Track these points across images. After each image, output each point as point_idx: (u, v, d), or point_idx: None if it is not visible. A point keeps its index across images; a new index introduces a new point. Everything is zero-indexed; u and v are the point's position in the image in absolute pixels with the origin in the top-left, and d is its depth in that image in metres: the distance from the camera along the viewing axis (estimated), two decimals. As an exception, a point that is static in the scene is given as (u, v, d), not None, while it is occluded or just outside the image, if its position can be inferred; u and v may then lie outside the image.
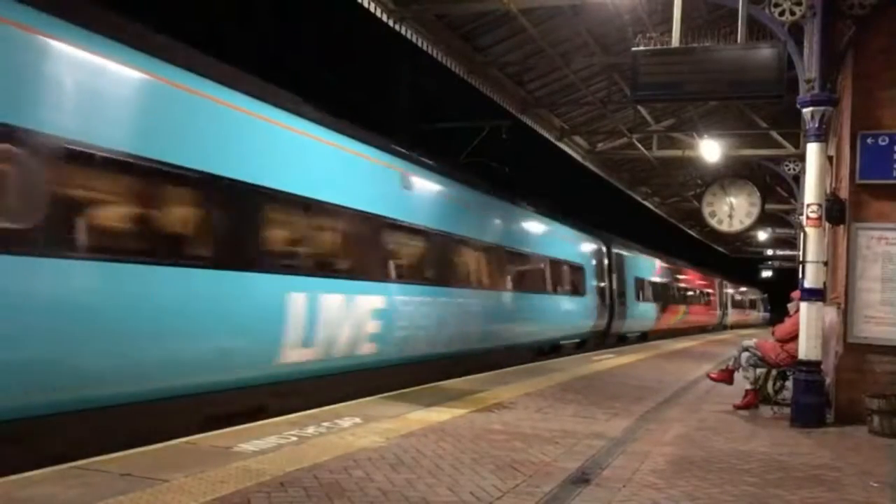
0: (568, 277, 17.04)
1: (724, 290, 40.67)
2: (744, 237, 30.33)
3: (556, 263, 16.25)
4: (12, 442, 5.05)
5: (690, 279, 32.08)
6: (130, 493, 4.28)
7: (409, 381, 9.39)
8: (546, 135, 17.94)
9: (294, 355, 7.66)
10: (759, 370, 9.03)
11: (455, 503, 4.48)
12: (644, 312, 24.07)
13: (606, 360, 14.67)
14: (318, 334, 7.95)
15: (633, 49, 8.50)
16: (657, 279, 26.23)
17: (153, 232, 6.26)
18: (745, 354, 9.06)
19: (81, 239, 5.58)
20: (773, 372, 9.03)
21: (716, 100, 13.05)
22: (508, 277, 13.67)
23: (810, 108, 7.95)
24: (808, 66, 7.98)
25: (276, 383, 7.56)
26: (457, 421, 7.11)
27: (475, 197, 12.83)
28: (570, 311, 17.28)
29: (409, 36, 11.90)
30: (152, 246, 6.18)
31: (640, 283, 23.60)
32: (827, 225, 8.74)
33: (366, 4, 10.90)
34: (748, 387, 9.00)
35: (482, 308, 12.49)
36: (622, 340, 22.00)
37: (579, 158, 20.24)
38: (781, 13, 8.09)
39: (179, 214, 6.59)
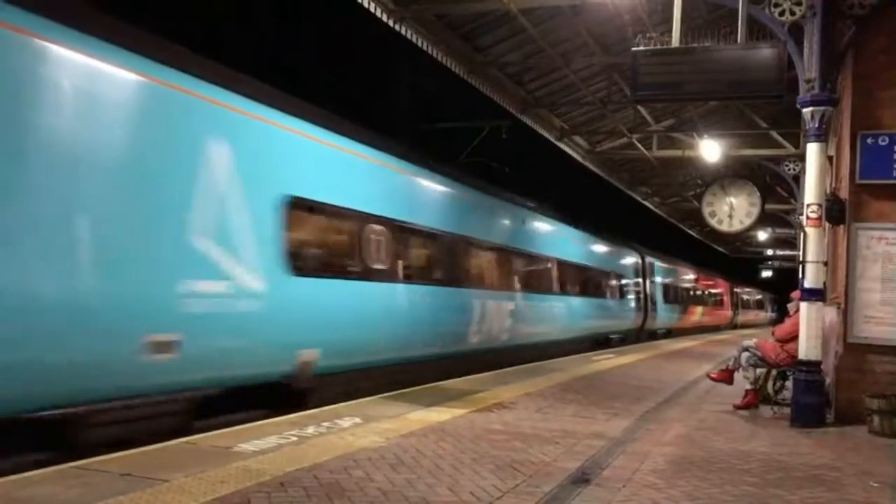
0: (617, 285, 21.74)
1: (735, 293, 44.80)
2: (744, 237, 30.35)
3: (610, 274, 21.09)
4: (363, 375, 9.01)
5: (707, 284, 36.05)
6: (130, 493, 4.28)
7: (531, 358, 13.89)
8: (546, 135, 17.94)
9: (474, 339, 12.12)
10: (759, 370, 9.03)
11: (455, 503, 4.48)
12: (670, 312, 28.10)
13: (606, 360, 14.66)
14: (483, 327, 12.43)
15: (633, 49, 8.50)
16: (680, 284, 30.37)
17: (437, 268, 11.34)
18: (745, 354, 9.06)
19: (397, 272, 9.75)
20: (773, 372, 9.04)
21: (716, 100, 13.05)
22: (583, 287, 18.45)
23: (810, 108, 7.95)
24: (808, 66, 7.98)
25: (467, 354, 12.01)
26: (457, 421, 7.11)
27: (564, 230, 17.60)
28: (618, 312, 21.75)
29: (409, 36, 11.90)
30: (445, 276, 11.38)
31: (666, 288, 27.67)
32: (827, 225, 8.74)
33: (366, 4, 10.90)
34: (748, 387, 9.00)
35: (570, 309, 17.25)
36: (652, 336, 25.55)
37: (579, 158, 20.24)
38: (781, 13, 8.09)
39: (445, 258, 11.51)
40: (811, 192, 7.99)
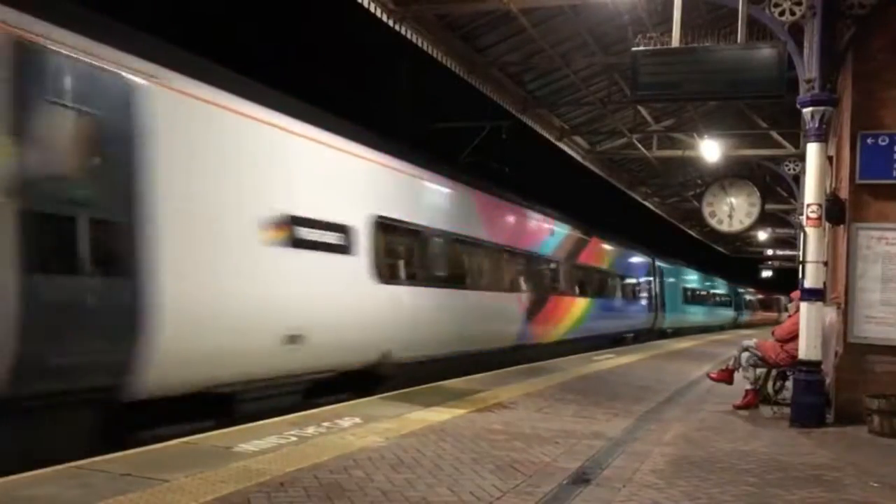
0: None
1: (739, 294, 48.53)
2: (744, 237, 30.36)
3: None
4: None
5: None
6: (130, 493, 4.28)
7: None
8: (546, 135, 17.93)
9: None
10: (759, 370, 9.03)
11: (455, 503, 4.48)
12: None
13: (606, 360, 14.66)
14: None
15: (633, 49, 8.50)
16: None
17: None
18: (745, 354, 9.06)
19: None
20: (773, 372, 9.04)
21: (716, 100, 13.05)
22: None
23: (810, 108, 7.94)
24: (808, 66, 7.98)
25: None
26: (457, 421, 7.11)
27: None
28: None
29: (409, 36, 11.89)
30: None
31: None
32: (827, 225, 8.74)
33: (366, 4, 10.89)
34: (748, 387, 9.00)
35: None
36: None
37: (579, 158, 20.24)
38: (781, 13, 8.09)
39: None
40: (811, 192, 7.99)
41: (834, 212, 8.51)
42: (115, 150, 6.00)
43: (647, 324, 25.33)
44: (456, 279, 11.72)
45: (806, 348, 7.90)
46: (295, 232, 7.88)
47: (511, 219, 14.68)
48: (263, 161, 7.56)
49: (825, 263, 8.57)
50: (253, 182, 7.39)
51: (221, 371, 6.95)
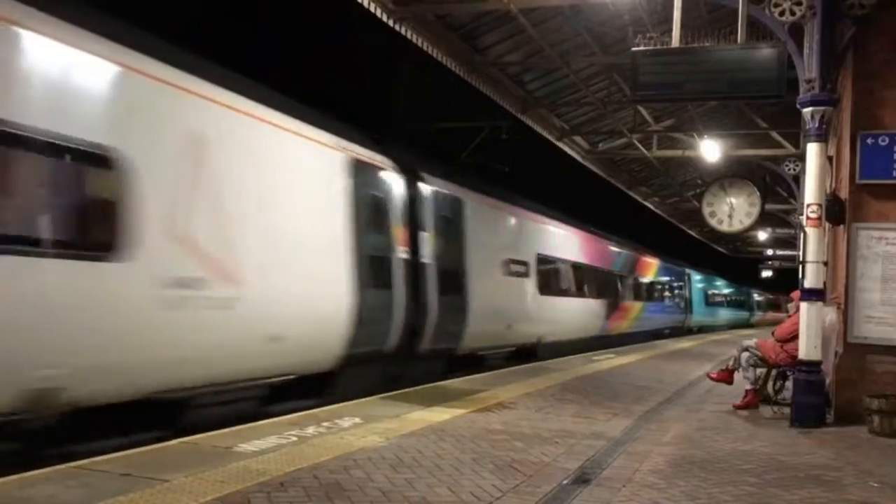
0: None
1: (751, 296, 56.01)
2: (744, 237, 30.39)
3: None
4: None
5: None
6: (130, 493, 4.28)
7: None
8: (546, 135, 17.94)
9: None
10: (759, 370, 9.03)
11: (455, 503, 4.48)
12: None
13: (606, 360, 14.67)
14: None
15: (633, 49, 8.50)
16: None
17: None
18: (745, 354, 9.06)
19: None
20: (773, 372, 9.04)
21: (716, 100, 13.06)
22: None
23: (810, 108, 7.94)
24: (808, 66, 7.98)
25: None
26: (457, 421, 7.11)
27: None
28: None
29: (409, 36, 11.90)
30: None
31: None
32: (827, 225, 8.73)
33: (366, 4, 10.89)
34: (748, 387, 9.00)
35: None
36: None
37: (579, 158, 20.24)
38: (781, 13, 8.09)
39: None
40: (811, 192, 7.99)
41: (834, 212, 8.51)
42: (458, 233, 12.08)
43: (679, 322, 31.34)
44: (572, 291, 18.02)
45: (806, 348, 7.89)
46: (510, 267, 14.17)
47: (597, 247, 20.65)
48: (502, 232, 14.11)
49: (825, 263, 8.57)
50: (498, 243, 13.79)
51: (484, 342, 12.99)
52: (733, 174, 17.87)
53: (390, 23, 11.42)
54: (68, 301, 5.48)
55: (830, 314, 8.92)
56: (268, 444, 5.70)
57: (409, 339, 10.37)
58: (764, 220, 18.93)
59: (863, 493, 5.15)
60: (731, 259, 44.91)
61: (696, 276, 34.79)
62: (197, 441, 5.73)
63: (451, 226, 11.81)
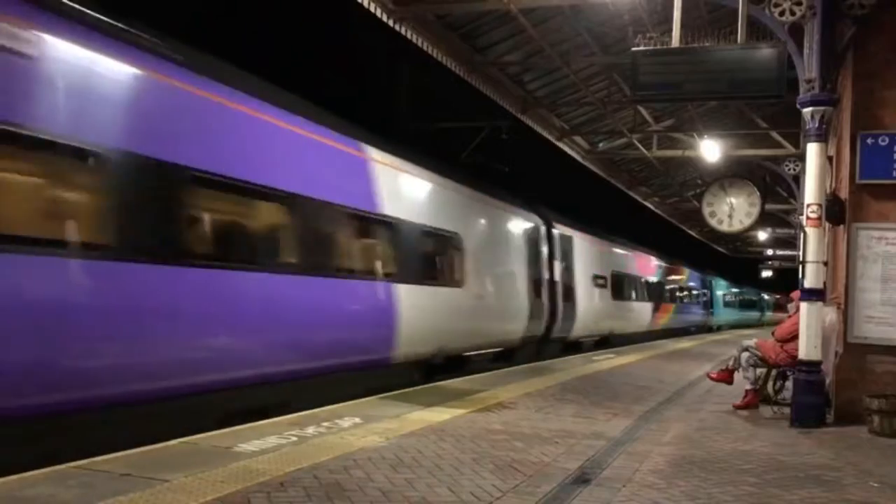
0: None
1: (764, 298, 63.05)
2: (744, 237, 30.41)
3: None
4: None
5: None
6: (130, 493, 4.28)
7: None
8: (546, 135, 17.94)
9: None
10: (759, 370, 9.03)
11: (455, 503, 4.48)
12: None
13: (606, 360, 14.67)
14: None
15: (633, 49, 8.50)
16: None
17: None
18: (745, 354, 9.06)
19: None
20: (773, 372, 9.04)
21: (716, 100, 13.06)
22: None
23: (810, 108, 7.94)
24: (808, 66, 7.98)
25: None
26: (457, 421, 7.11)
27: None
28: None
29: (409, 36, 11.90)
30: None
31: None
32: (827, 225, 8.73)
33: (366, 4, 10.90)
34: (748, 387, 9.00)
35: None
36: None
37: (579, 158, 20.25)
38: (781, 13, 8.09)
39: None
40: (811, 192, 7.99)
41: (834, 212, 8.51)
42: (570, 259, 17.51)
43: (703, 321, 36.68)
44: (632, 297, 23.53)
45: (806, 348, 7.89)
46: (597, 281, 19.34)
47: (647, 261, 26.14)
48: (593, 257, 19.24)
49: (825, 263, 8.57)
50: (591, 265, 18.87)
51: (583, 333, 18.22)
52: (733, 174, 17.87)
53: (390, 23, 11.42)
54: (451, 305, 11.35)
55: (830, 314, 8.92)
56: (268, 444, 5.70)
57: (548, 329, 15.74)
58: (764, 220, 18.93)
59: (863, 493, 5.15)
60: (732, 259, 44.93)
61: (719, 283, 42.56)
62: (197, 441, 5.73)
63: (566, 255, 17.13)
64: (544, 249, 15.83)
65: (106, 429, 5.61)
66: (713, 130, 17.59)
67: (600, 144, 20.42)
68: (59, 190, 5.52)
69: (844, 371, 8.16)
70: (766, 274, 54.15)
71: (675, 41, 8.48)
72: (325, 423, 6.57)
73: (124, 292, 5.74)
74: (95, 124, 5.56)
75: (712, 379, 9.72)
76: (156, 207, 6.03)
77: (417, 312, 10.10)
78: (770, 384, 9.08)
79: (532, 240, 15.12)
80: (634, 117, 17.91)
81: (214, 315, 6.56)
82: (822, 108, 7.91)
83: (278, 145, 7.56)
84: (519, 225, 14.72)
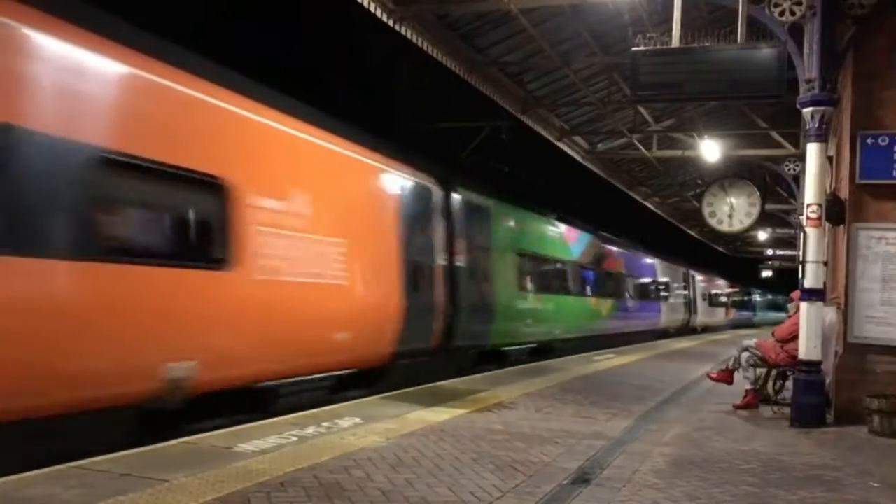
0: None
1: (755, 297, 66.20)
2: (744, 237, 30.41)
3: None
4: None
5: (757, 297, 61.43)
6: (130, 493, 4.29)
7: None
8: (546, 135, 17.93)
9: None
10: (759, 370, 9.03)
11: (455, 503, 4.48)
12: (739, 314, 48.74)
13: (607, 360, 14.67)
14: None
15: (633, 49, 8.49)
16: (741, 298, 52.39)
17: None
18: (745, 354, 9.06)
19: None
20: (773, 372, 9.04)
21: (716, 100, 13.06)
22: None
23: (810, 108, 7.94)
24: (808, 66, 7.97)
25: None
26: (457, 421, 7.11)
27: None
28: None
29: (409, 36, 11.90)
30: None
31: (734, 301, 48.26)
32: (827, 225, 8.73)
33: (366, 4, 10.89)
34: (748, 387, 9.00)
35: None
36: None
37: (579, 158, 20.24)
38: (781, 13, 8.09)
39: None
40: (811, 192, 7.99)
41: (834, 212, 8.51)
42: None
43: (726, 319, 43.60)
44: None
45: (806, 348, 7.89)
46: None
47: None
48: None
49: (825, 263, 8.57)
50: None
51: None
52: (733, 174, 17.84)
53: (390, 23, 11.42)
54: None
55: (830, 314, 8.92)
56: (268, 444, 5.70)
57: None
58: (764, 220, 18.91)
59: (863, 493, 5.15)
60: (732, 259, 44.95)
61: (739, 289, 50.03)
62: (197, 441, 5.73)
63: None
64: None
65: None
66: (713, 130, 17.58)
67: (599, 145, 20.41)
68: None
69: (844, 371, 8.16)
70: (766, 274, 54.14)
71: (675, 41, 8.48)
72: (325, 423, 6.57)
73: None
74: None
75: (712, 379, 9.72)
76: None
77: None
78: (770, 384, 9.08)
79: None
80: (634, 117, 17.90)
81: None
82: (822, 108, 7.91)
83: None
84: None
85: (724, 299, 43.25)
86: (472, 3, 11.46)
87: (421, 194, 10.82)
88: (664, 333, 27.89)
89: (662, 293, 28.51)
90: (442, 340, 11.22)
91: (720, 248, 41.62)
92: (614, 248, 22.94)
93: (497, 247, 13.66)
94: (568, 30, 12.97)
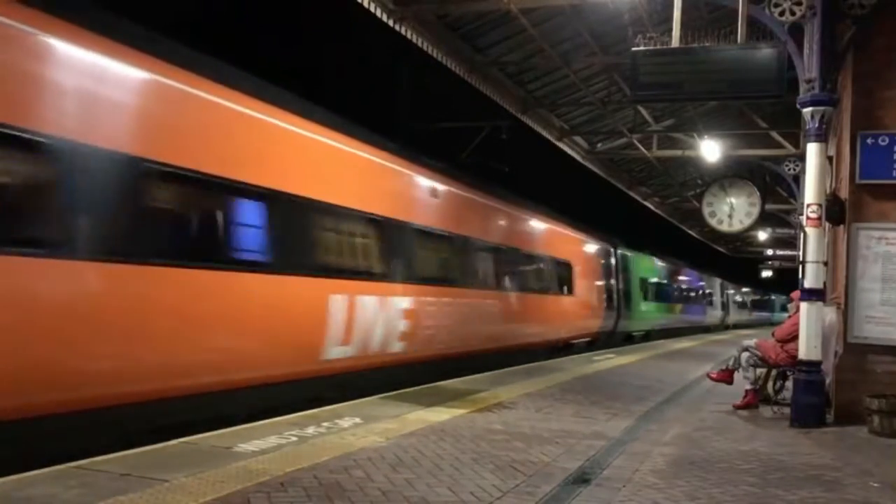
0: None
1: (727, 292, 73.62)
2: (744, 237, 30.38)
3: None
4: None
5: (773, 298, 68.08)
6: (130, 493, 4.28)
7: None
8: (546, 135, 17.93)
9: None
10: (759, 370, 9.03)
11: (455, 503, 4.48)
12: (759, 314, 58.36)
13: (607, 360, 14.67)
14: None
15: (633, 49, 8.49)
16: (761, 300, 62.97)
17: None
18: (745, 354, 9.06)
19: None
20: (773, 372, 9.04)
21: (716, 100, 13.06)
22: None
23: (810, 108, 7.94)
24: (808, 66, 7.97)
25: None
26: (457, 421, 7.11)
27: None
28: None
29: (409, 36, 11.90)
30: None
31: (754, 302, 59.17)
32: (827, 225, 8.73)
33: (366, 4, 10.89)
34: (748, 387, 9.00)
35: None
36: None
37: (579, 158, 20.24)
38: (781, 13, 8.09)
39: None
40: (811, 192, 7.99)
41: (834, 212, 8.51)
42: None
43: (749, 317, 53.59)
44: (715, 305, 40.41)
45: (806, 348, 7.90)
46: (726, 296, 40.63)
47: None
48: (711, 287, 39.76)
49: (825, 263, 8.57)
50: (706, 291, 38.97)
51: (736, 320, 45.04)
52: (733, 174, 17.86)
53: (390, 23, 11.42)
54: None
55: (830, 314, 8.93)
56: (268, 444, 5.70)
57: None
58: (764, 220, 18.92)
59: (863, 493, 5.15)
60: (732, 259, 44.95)
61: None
62: (197, 441, 5.73)
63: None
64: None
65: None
66: (713, 130, 17.58)
67: (599, 145, 20.42)
68: None
69: (844, 371, 8.16)
70: (766, 274, 54.16)
71: (675, 41, 8.48)
72: (325, 423, 6.57)
73: None
74: None
75: (712, 379, 9.72)
76: None
77: None
78: (770, 384, 9.08)
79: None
80: (634, 117, 17.90)
81: None
82: (822, 108, 7.91)
83: None
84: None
85: (748, 303, 57.22)
86: (472, 3, 11.46)
87: (605, 251, 21.55)
88: (707, 328, 37.42)
89: (711, 299, 40.48)
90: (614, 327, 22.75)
91: (720, 248, 41.62)
92: (686, 269, 34.45)
93: (631, 276, 24.34)
94: (568, 30, 12.97)
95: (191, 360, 6.48)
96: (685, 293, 33.86)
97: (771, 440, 6.99)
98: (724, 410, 8.74)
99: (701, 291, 37.79)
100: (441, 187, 11.44)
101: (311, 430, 6.29)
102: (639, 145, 19.40)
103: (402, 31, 11.70)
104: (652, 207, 28.18)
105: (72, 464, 4.85)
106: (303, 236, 8.00)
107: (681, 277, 33.06)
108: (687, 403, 9.31)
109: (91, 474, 4.64)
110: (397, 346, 9.73)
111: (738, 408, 8.83)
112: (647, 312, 26.37)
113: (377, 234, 9.42)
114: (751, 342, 9.26)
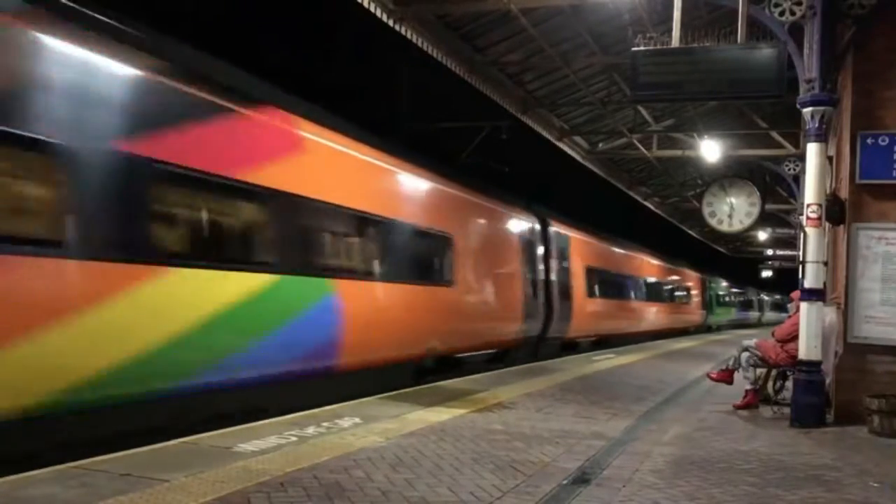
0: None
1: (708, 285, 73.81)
2: (744, 237, 30.39)
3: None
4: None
5: (776, 301, 69.41)
6: (130, 493, 4.28)
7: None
8: (546, 135, 17.93)
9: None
10: (759, 370, 9.03)
11: (455, 503, 4.48)
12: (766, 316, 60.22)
13: (607, 360, 14.67)
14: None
15: (633, 49, 8.49)
16: (759, 299, 62.13)
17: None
18: (745, 354, 9.06)
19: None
20: (773, 372, 9.04)
21: (716, 100, 13.05)
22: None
23: (810, 108, 7.94)
24: (808, 66, 7.97)
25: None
26: (457, 421, 7.11)
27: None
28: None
29: (409, 36, 11.90)
30: None
31: (773, 304, 64.56)
32: (827, 225, 8.73)
33: (366, 4, 10.89)
34: (748, 387, 9.00)
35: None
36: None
37: (579, 158, 20.24)
38: (781, 13, 8.09)
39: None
40: (811, 192, 7.99)
41: (834, 212, 8.51)
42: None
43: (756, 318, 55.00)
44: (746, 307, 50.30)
45: (806, 348, 7.89)
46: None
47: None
48: (729, 294, 46.38)
49: (825, 263, 8.57)
50: (731, 295, 46.09)
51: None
52: (733, 174, 17.87)
53: (390, 23, 11.42)
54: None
55: (830, 314, 8.93)
56: (268, 444, 5.70)
57: None
58: (764, 220, 18.91)
59: (863, 493, 5.15)
60: (732, 259, 44.97)
61: (765, 297, 60.53)
62: (197, 441, 5.73)
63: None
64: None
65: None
66: (713, 130, 17.59)
67: (599, 144, 20.42)
68: None
69: (844, 371, 8.16)
70: (767, 274, 54.22)
71: (675, 41, 8.48)
72: (325, 423, 6.57)
73: None
74: None
75: (712, 379, 9.72)
76: None
77: None
78: (770, 384, 9.08)
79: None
80: (634, 117, 17.90)
81: None
82: (822, 108, 7.91)
83: None
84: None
85: (770, 303, 65.47)
86: (472, 3, 11.46)
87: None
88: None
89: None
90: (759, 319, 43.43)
91: (720, 248, 41.63)
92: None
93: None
94: (568, 30, 12.97)
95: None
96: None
97: (771, 440, 6.99)
98: (724, 410, 8.74)
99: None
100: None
101: (310, 430, 6.30)
102: (639, 145, 19.39)
103: (402, 31, 11.69)
104: (652, 207, 28.18)
105: (72, 464, 4.85)
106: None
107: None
108: (687, 403, 9.31)
109: (91, 474, 4.64)
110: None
111: (738, 408, 8.83)
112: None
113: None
114: (751, 342, 9.26)
